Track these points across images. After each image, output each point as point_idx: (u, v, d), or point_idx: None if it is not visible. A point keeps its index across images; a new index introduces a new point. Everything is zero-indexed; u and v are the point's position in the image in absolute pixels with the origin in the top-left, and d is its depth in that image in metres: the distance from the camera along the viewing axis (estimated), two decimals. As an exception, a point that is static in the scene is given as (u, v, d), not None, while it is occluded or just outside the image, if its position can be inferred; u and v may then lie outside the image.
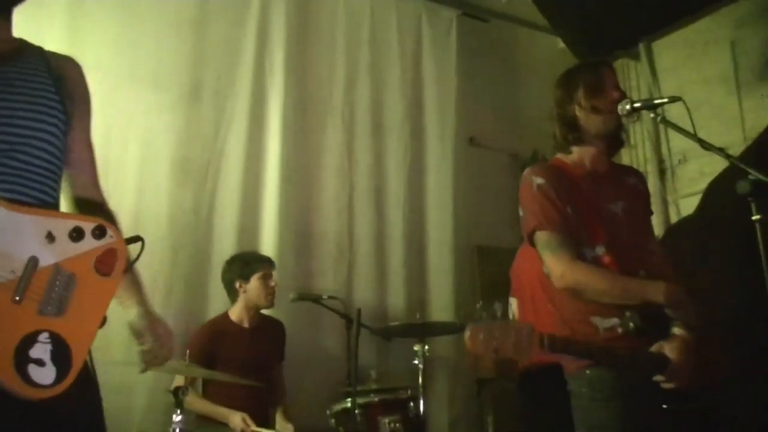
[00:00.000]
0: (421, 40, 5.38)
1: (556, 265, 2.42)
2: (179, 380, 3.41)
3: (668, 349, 2.30)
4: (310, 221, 4.69)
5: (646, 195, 2.74)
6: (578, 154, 2.59)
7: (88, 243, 1.63)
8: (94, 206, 1.83)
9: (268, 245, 4.37)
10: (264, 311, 4.10)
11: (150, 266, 4.08)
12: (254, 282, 3.99)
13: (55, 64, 1.81)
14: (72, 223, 1.62)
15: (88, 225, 1.64)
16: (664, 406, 2.32)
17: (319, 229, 4.70)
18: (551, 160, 2.66)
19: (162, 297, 4.03)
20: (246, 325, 4.02)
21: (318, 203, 4.74)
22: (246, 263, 4.05)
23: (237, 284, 4.02)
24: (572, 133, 2.56)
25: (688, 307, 2.37)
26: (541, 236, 2.45)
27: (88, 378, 1.68)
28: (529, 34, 5.99)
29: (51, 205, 1.72)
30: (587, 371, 2.37)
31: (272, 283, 4.04)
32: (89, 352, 1.66)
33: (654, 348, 2.32)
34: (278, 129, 4.59)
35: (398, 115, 5.13)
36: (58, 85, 1.77)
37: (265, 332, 4.08)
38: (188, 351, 3.46)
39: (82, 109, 1.87)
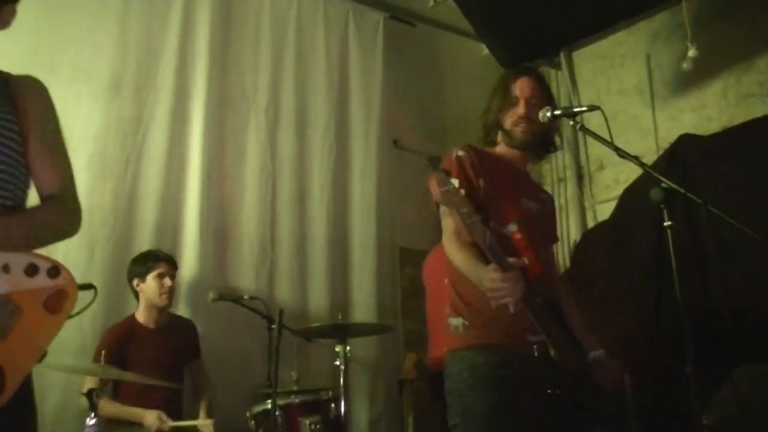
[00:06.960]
0: (347, 41, 5.36)
1: (446, 229, 2.44)
2: (91, 382, 3.31)
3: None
4: (231, 220, 4.61)
5: (553, 213, 2.85)
6: (501, 149, 2.66)
7: (42, 280, 1.71)
8: (58, 201, 1.94)
9: (188, 244, 4.29)
10: (179, 311, 4.02)
11: (66, 263, 3.96)
12: (150, 280, 3.88)
13: (13, 85, 1.97)
14: (28, 260, 1.71)
15: (44, 264, 1.72)
16: (549, 391, 2.31)
17: (241, 227, 4.62)
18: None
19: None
20: (152, 325, 3.91)
21: (240, 202, 4.66)
22: (144, 261, 3.93)
23: (135, 283, 3.91)
24: (492, 134, 2.67)
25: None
26: None
27: (28, 404, 1.73)
28: (454, 40, 6.07)
29: (11, 207, 1.80)
30: (473, 353, 2.37)
31: (168, 283, 3.90)
32: (31, 380, 1.73)
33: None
34: (200, 125, 4.50)
35: (323, 115, 5.10)
36: (12, 101, 1.91)
37: (174, 331, 3.98)
38: (104, 352, 3.37)
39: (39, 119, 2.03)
